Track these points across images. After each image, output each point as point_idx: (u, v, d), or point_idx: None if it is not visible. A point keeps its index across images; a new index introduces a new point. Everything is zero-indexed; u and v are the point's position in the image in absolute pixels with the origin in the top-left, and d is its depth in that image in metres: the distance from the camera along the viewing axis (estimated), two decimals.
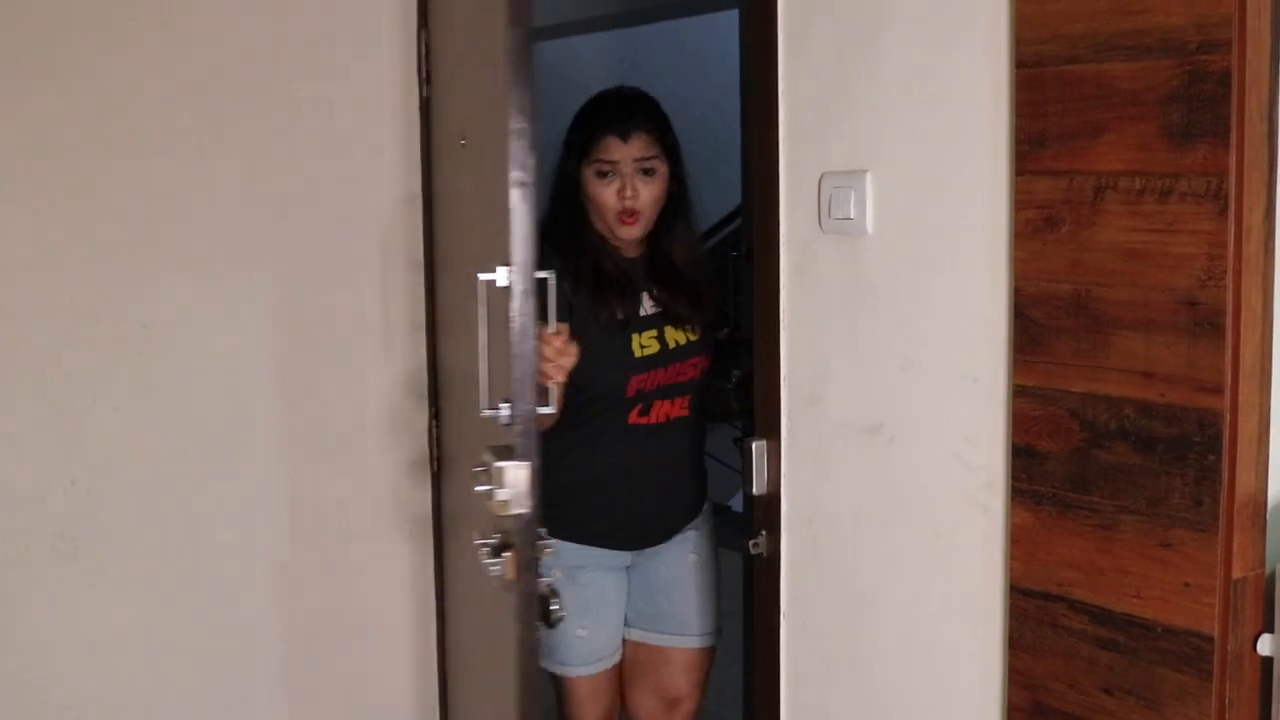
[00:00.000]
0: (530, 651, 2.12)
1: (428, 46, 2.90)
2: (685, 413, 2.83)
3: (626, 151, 2.71)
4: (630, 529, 2.87)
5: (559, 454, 2.66)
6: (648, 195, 2.73)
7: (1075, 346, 1.81)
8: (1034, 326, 1.86)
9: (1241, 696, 1.73)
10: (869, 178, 2.07)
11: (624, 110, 2.77)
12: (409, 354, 2.95)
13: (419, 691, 3.05)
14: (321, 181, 2.84)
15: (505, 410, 2.05)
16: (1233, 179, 1.64)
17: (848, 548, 2.16)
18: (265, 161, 2.78)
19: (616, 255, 2.81)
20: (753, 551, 2.28)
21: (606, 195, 2.73)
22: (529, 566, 2.09)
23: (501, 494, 2.05)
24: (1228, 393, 1.67)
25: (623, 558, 2.89)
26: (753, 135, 2.22)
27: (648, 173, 2.73)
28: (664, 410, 2.80)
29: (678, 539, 2.92)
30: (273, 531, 2.84)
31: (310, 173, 2.82)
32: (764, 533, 2.27)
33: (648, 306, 2.81)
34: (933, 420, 2.02)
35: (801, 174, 2.17)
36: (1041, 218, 1.84)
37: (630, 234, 2.75)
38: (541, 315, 2.12)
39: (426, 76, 2.90)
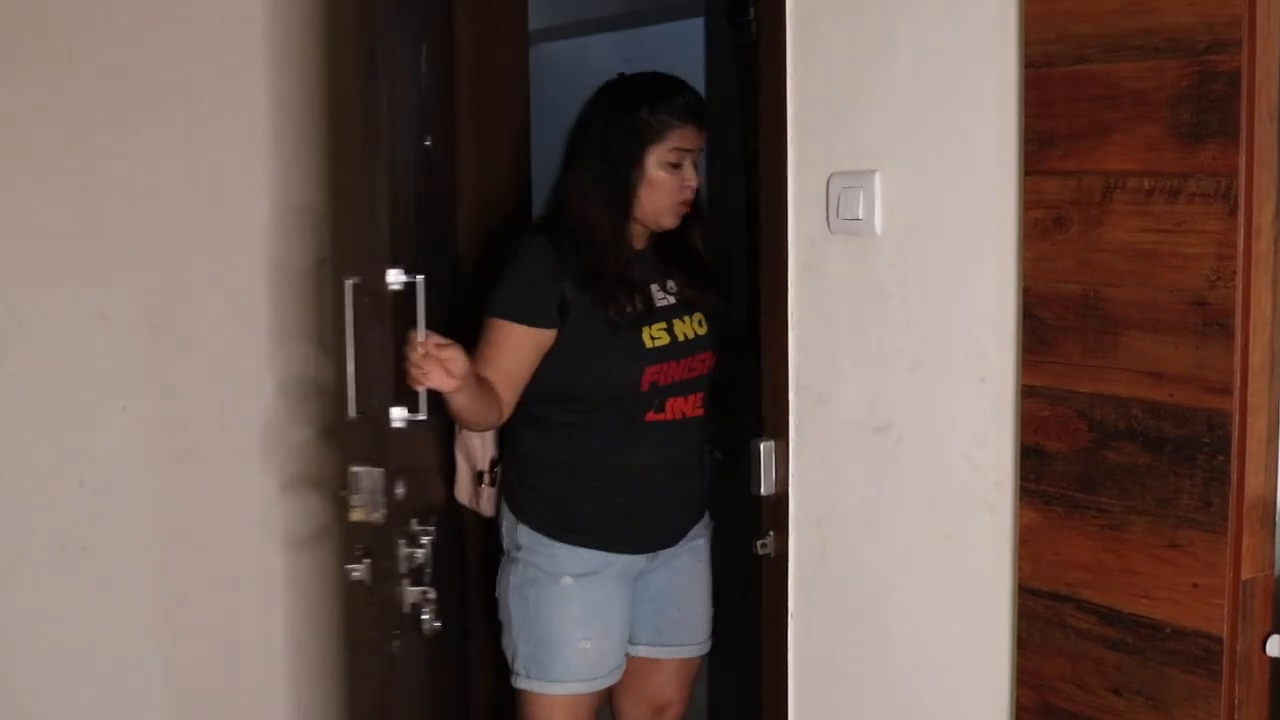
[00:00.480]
0: (389, 662, 2.12)
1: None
2: (700, 411, 2.78)
3: (698, 140, 2.68)
4: (647, 531, 2.78)
5: (578, 457, 2.71)
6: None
7: (1084, 347, 1.81)
8: (1042, 327, 1.86)
9: (1250, 697, 1.73)
10: (878, 178, 2.07)
11: (694, 96, 2.71)
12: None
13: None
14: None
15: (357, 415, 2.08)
16: (1242, 179, 1.64)
17: (856, 548, 2.16)
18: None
19: (630, 249, 2.74)
20: (760, 552, 2.28)
21: (672, 184, 2.66)
22: (385, 574, 2.09)
23: (356, 499, 2.05)
24: (1236, 393, 1.67)
25: (636, 563, 2.78)
26: (761, 135, 2.22)
27: (695, 166, 2.72)
28: (679, 407, 2.74)
29: (687, 544, 2.86)
30: (277, 533, 2.84)
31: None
32: (772, 533, 2.27)
33: (657, 298, 2.75)
34: (941, 420, 2.02)
35: (810, 174, 2.16)
36: (1050, 218, 1.84)
37: (676, 223, 2.70)
38: (412, 319, 2.14)
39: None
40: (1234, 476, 1.68)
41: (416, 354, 2.20)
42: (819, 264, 2.16)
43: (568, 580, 2.67)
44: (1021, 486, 1.90)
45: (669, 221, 2.69)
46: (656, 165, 2.64)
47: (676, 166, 2.65)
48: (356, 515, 2.07)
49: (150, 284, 2.74)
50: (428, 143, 2.49)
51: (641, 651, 2.86)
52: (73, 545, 2.59)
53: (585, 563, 2.70)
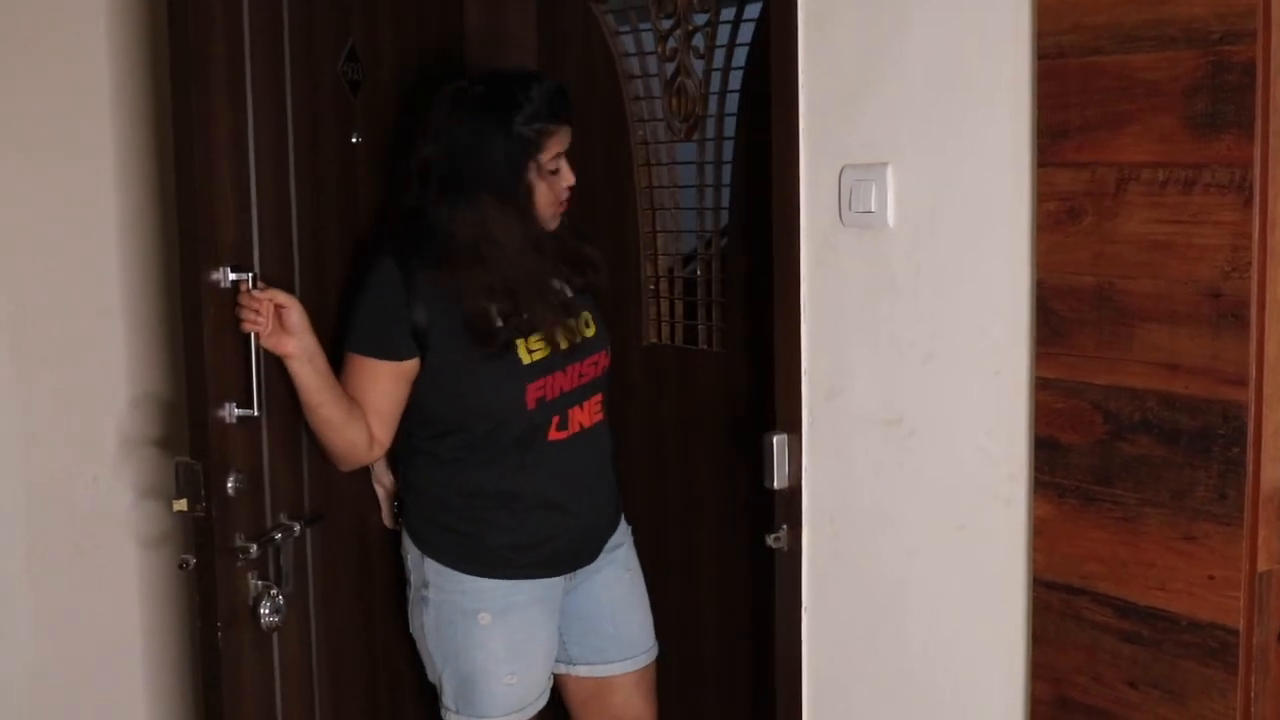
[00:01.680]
0: (210, 651, 2.17)
1: None
2: (600, 416, 2.66)
3: (569, 136, 2.56)
4: (565, 553, 2.63)
5: (479, 488, 2.56)
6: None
7: (1098, 339, 1.81)
8: (1056, 319, 1.85)
9: (1267, 689, 1.73)
10: (890, 170, 2.06)
11: (553, 87, 2.54)
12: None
13: None
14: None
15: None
16: (1257, 170, 1.63)
17: (869, 541, 2.16)
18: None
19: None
20: (773, 546, 2.27)
21: (553, 191, 2.55)
22: (208, 567, 2.14)
23: (179, 493, 2.11)
24: (1252, 385, 1.67)
25: (556, 587, 2.64)
26: (773, 127, 2.21)
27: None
28: (578, 419, 2.60)
29: (607, 556, 2.72)
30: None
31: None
32: (785, 527, 2.27)
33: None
34: (954, 413, 2.02)
35: (822, 167, 2.16)
36: (1064, 209, 1.83)
37: (556, 224, 2.60)
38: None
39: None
40: (1250, 468, 1.68)
41: (247, 298, 2.21)
42: (831, 257, 2.16)
43: (485, 617, 2.54)
44: (1036, 479, 1.90)
45: (551, 225, 2.58)
46: (537, 176, 2.52)
47: (555, 172, 2.54)
48: (178, 507, 2.12)
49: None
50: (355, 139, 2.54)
51: (589, 672, 2.76)
52: (86, 542, 2.60)
53: (502, 596, 2.57)
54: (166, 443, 2.71)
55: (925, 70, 2.01)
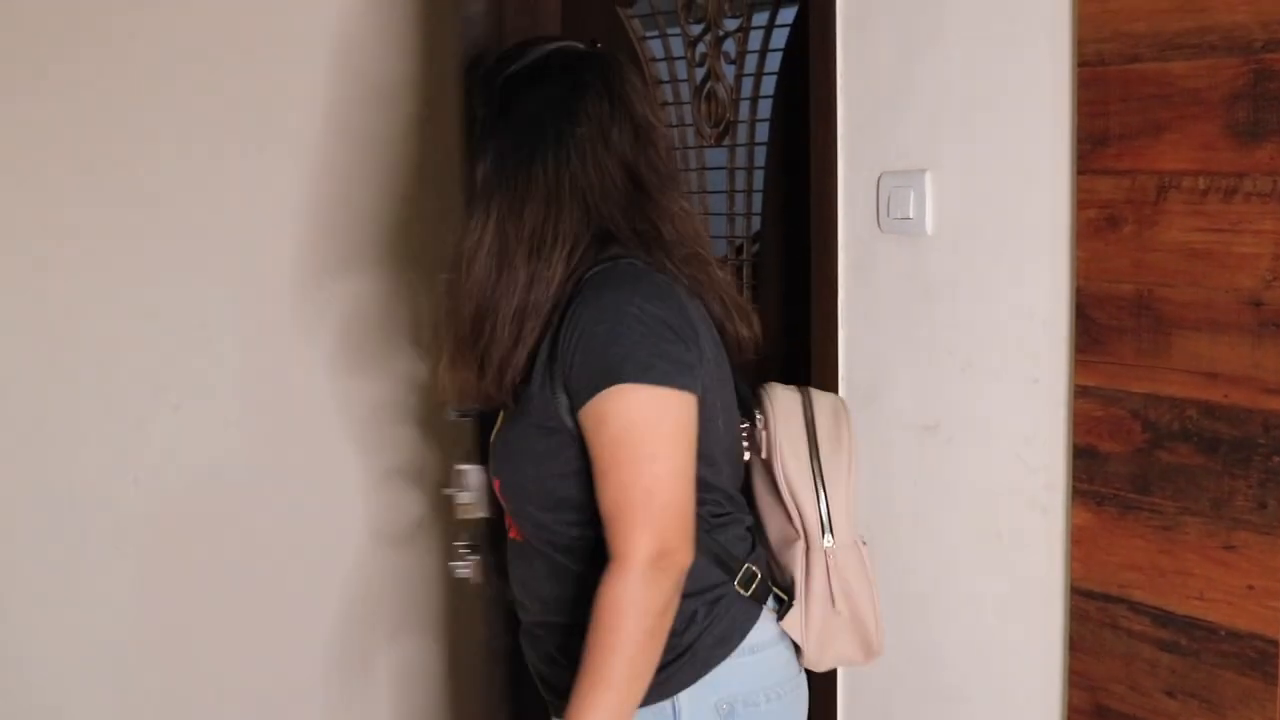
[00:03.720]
0: (497, 657, 2.08)
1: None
2: (519, 536, 1.88)
3: None
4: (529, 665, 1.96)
5: None
6: None
7: (1137, 347, 1.80)
8: (1095, 326, 1.85)
9: None
10: (928, 177, 2.06)
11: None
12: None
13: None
14: (370, 188, 2.83)
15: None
16: None
17: (905, 547, 2.16)
18: (318, 163, 2.78)
19: None
20: None
21: None
22: (497, 569, 2.03)
23: (464, 497, 2.01)
24: None
25: None
26: (811, 134, 2.22)
27: None
28: (507, 519, 1.92)
29: None
30: (327, 532, 2.86)
31: (361, 179, 2.82)
32: None
33: None
34: (992, 420, 2.01)
35: (860, 173, 2.16)
36: (1103, 217, 1.83)
37: None
38: None
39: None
40: None
41: None
42: (869, 263, 2.16)
43: None
44: (1074, 487, 1.90)
45: None
46: None
47: None
48: (465, 512, 2.03)
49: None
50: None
51: None
52: (126, 543, 2.62)
53: None
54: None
55: (964, 77, 2.01)
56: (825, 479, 1.86)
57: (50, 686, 2.57)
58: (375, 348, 2.87)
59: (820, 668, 1.89)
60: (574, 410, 1.73)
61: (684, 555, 1.70)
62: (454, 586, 3.04)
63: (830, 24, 2.17)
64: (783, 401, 1.90)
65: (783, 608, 1.84)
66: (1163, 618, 1.81)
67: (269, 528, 2.79)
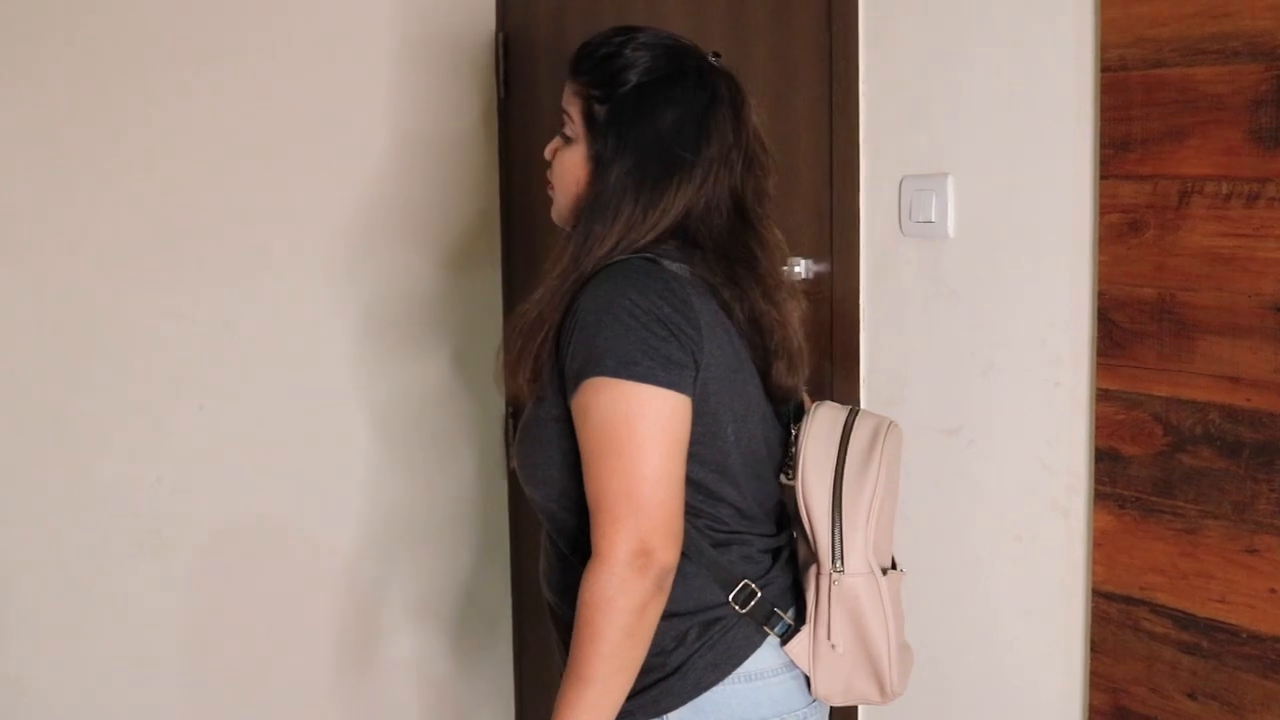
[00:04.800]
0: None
1: (506, 49, 2.93)
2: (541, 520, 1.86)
3: (566, 97, 1.84)
4: None
5: None
6: (555, 166, 1.85)
7: (1159, 350, 1.81)
8: (1117, 330, 1.86)
9: None
10: (951, 181, 2.07)
11: (587, 41, 1.85)
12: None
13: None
14: (398, 187, 2.86)
15: None
16: None
17: (926, 549, 2.17)
18: (346, 167, 2.81)
19: None
20: None
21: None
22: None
23: None
24: None
25: None
26: (833, 137, 2.23)
27: (562, 136, 1.84)
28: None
29: None
30: (350, 531, 2.87)
31: (388, 179, 2.85)
32: None
33: None
34: (1014, 423, 2.02)
35: (882, 177, 2.17)
36: (1125, 222, 1.84)
37: (553, 214, 1.88)
38: None
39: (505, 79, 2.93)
40: None
41: None
42: (891, 266, 2.17)
43: None
44: (1096, 490, 1.91)
45: (557, 216, 1.89)
46: None
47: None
48: None
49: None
50: None
51: None
52: (151, 541, 2.63)
53: None
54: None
55: (986, 82, 2.01)
56: (844, 502, 1.75)
57: (73, 684, 2.59)
58: (403, 347, 2.89)
59: (834, 703, 1.80)
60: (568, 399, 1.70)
61: (666, 556, 1.65)
62: (481, 585, 3.07)
63: (852, 29, 2.18)
64: (821, 421, 1.81)
65: (789, 633, 1.76)
66: (1184, 620, 1.81)
67: (293, 525, 2.80)
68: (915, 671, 2.18)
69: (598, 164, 1.77)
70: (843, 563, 1.73)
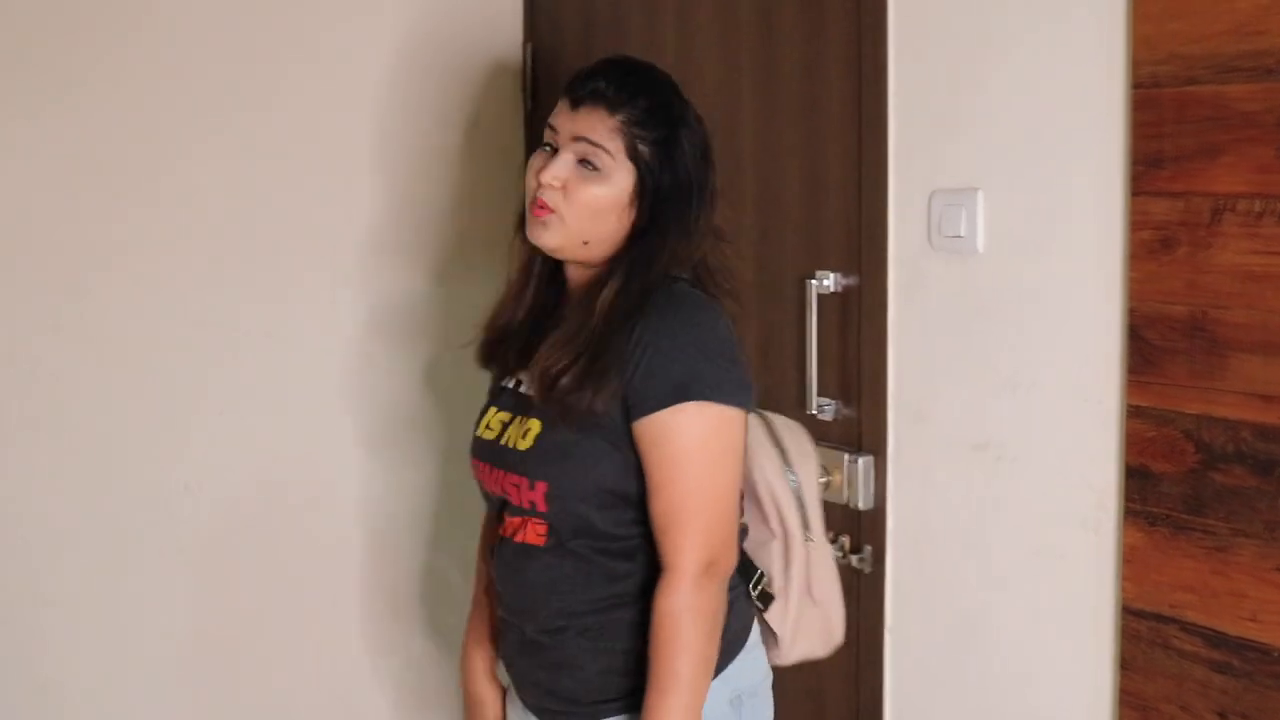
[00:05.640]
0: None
1: (534, 60, 2.94)
2: (539, 540, 1.89)
3: (571, 124, 1.88)
4: (516, 676, 2.04)
5: None
6: (578, 195, 1.86)
7: (1191, 368, 1.81)
8: (1149, 347, 1.85)
9: None
10: (980, 196, 2.07)
11: (593, 74, 1.90)
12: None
13: None
14: (426, 200, 2.87)
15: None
16: None
17: (954, 565, 2.16)
18: (373, 180, 2.81)
19: (532, 290, 2.02)
20: (856, 566, 2.29)
21: (531, 173, 1.91)
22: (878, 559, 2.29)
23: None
24: None
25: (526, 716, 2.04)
26: (862, 152, 2.23)
27: (587, 166, 1.87)
28: (511, 526, 1.93)
29: None
30: (372, 539, 2.88)
31: (416, 191, 2.85)
32: (869, 548, 2.28)
33: (528, 377, 1.94)
34: (1043, 439, 2.02)
35: (911, 191, 2.17)
36: (1157, 239, 1.83)
37: (536, 234, 1.89)
38: None
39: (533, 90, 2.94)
40: None
41: None
42: (919, 281, 2.17)
43: None
44: (1126, 507, 1.90)
45: (529, 230, 1.91)
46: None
47: (542, 150, 1.93)
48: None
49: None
50: None
51: None
52: (173, 548, 2.65)
53: (503, 675, 2.12)
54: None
55: (1017, 96, 2.01)
56: (801, 482, 2.03)
57: (102, 689, 2.60)
58: (423, 353, 2.89)
59: (788, 661, 2.05)
60: (630, 419, 1.81)
61: (729, 561, 1.86)
62: None
63: (881, 42, 2.18)
64: (752, 420, 1.99)
65: (767, 604, 2.00)
66: (1215, 639, 1.81)
67: (318, 531, 2.81)
68: (943, 685, 2.18)
69: (648, 198, 1.89)
70: (810, 532, 2.03)
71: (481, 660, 2.15)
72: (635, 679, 1.86)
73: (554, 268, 1.99)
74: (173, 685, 2.68)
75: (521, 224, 1.94)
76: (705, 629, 1.81)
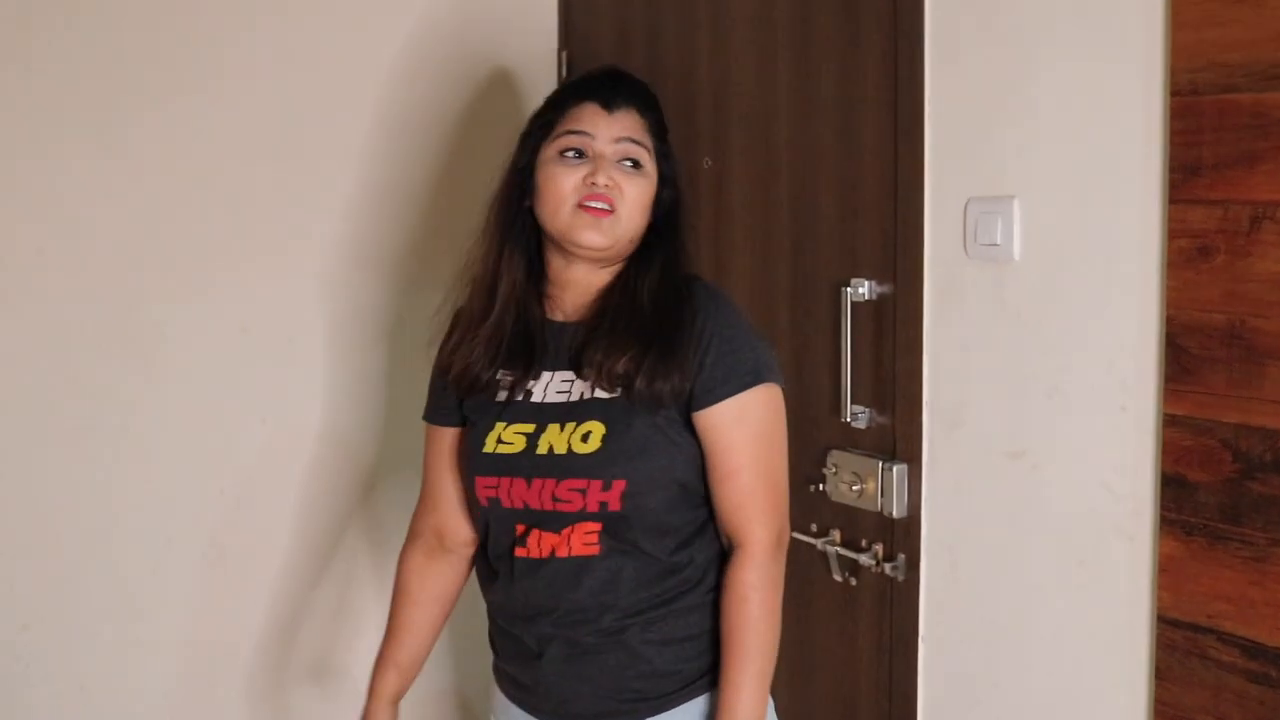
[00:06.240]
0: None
1: (569, 69, 2.95)
2: (591, 550, 1.91)
3: (609, 126, 1.97)
4: (540, 696, 1.99)
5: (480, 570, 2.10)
6: (630, 193, 1.95)
7: (1229, 377, 1.80)
8: (1186, 356, 1.84)
9: None
10: (1017, 204, 2.06)
11: (610, 81, 2.03)
12: None
13: None
14: (464, 206, 2.87)
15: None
16: None
17: (988, 573, 2.16)
18: (411, 187, 2.83)
19: (532, 303, 2.03)
20: (889, 574, 2.28)
21: (566, 178, 1.94)
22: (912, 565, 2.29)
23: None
24: None
25: None
26: (898, 159, 2.23)
27: (633, 164, 1.97)
28: (546, 544, 1.92)
29: None
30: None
31: (454, 197, 2.87)
32: (902, 556, 2.27)
33: (545, 388, 1.98)
34: (1078, 447, 2.01)
35: (947, 198, 2.17)
36: (1195, 247, 1.82)
37: (589, 235, 1.94)
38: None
39: None
40: None
41: None
42: (955, 289, 2.17)
43: None
44: (1162, 516, 1.89)
45: (583, 234, 1.94)
46: (548, 160, 1.98)
47: (567, 156, 1.97)
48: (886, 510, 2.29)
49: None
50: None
51: None
52: (213, 553, 2.66)
53: (502, 711, 2.09)
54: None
55: (1054, 104, 2.01)
56: None
57: (133, 693, 2.61)
58: None
59: None
60: (694, 407, 1.91)
61: (788, 534, 2.00)
62: None
63: (918, 49, 2.18)
64: None
65: None
66: (1253, 649, 1.80)
67: (355, 539, 2.83)
68: (977, 695, 2.17)
69: (665, 195, 2.04)
70: None
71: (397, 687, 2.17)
72: (700, 662, 1.95)
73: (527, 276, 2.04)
74: (204, 688, 2.69)
75: (504, 228, 2.03)
76: (777, 599, 1.94)
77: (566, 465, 1.90)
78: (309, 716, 2.82)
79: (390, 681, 2.16)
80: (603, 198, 1.93)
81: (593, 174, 1.93)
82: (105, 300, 2.54)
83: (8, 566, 2.53)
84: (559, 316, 2.03)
